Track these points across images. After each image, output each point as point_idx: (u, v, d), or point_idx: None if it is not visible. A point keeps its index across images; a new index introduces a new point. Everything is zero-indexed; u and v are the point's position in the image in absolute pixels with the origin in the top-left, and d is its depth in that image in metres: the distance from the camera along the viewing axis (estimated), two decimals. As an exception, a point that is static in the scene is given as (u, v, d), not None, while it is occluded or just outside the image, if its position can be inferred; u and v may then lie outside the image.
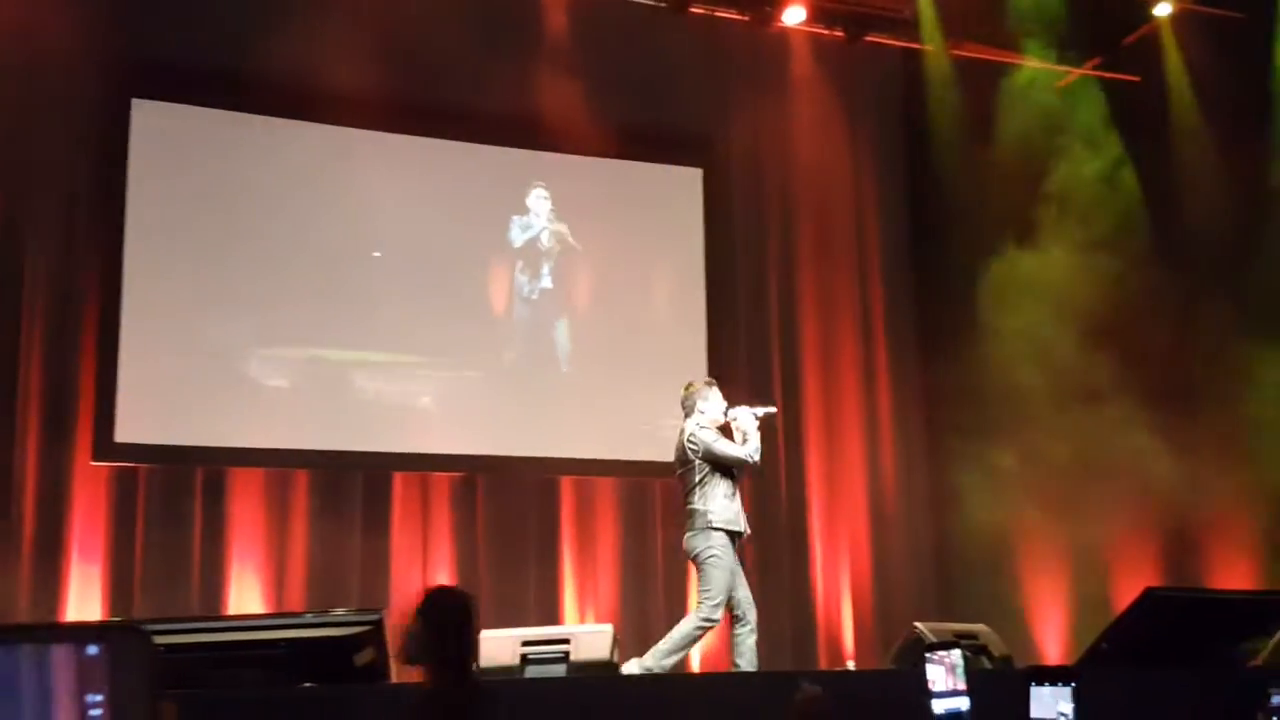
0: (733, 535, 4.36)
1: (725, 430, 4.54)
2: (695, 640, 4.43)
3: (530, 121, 6.55)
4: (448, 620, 2.31)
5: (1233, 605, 4.68)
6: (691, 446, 4.47)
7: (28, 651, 0.76)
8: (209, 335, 6.00)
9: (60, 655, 0.76)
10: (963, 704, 2.65)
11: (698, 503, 4.41)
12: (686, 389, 4.64)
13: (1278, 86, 6.57)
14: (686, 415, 4.58)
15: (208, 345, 5.99)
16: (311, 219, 6.28)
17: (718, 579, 4.31)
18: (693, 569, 4.66)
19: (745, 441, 4.44)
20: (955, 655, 2.72)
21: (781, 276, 7.15)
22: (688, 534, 4.43)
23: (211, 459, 5.89)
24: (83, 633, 0.77)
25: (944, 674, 2.68)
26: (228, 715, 3.18)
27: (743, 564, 4.46)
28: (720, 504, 4.37)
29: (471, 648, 2.39)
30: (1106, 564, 6.47)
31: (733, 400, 4.63)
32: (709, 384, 4.67)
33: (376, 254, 6.44)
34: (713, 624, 4.36)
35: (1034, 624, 6.62)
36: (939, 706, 2.67)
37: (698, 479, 4.45)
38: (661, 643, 4.35)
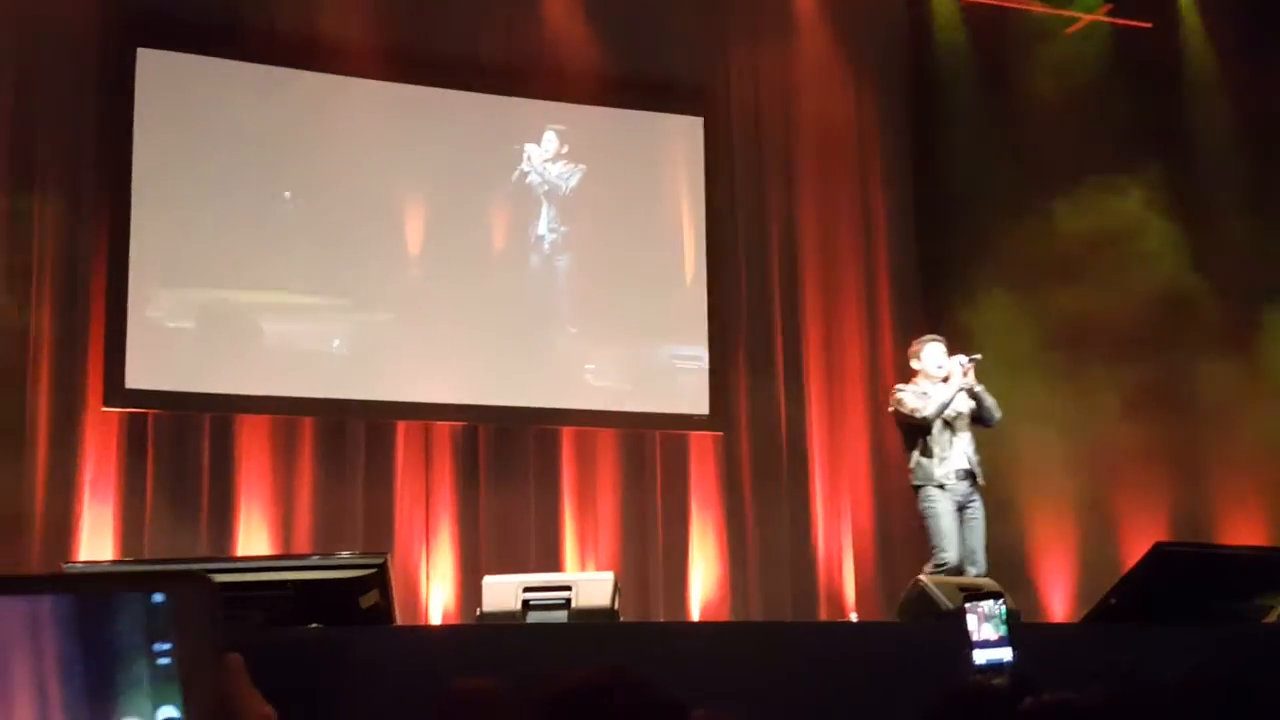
0: (944, 487, 4.95)
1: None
2: None
3: (528, 69, 6.57)
4: None
5: (1243, 561, 4.67)
6: (890, 409, 5.20)
7: (93, 600, 0.73)
8: (217, 283, 6.05)
9: (126, 604, 0.72)
10: (1005, 654, 2.63)
11: (910, 460, 5.08)
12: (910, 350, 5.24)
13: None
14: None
15: (215, 293, 6.05)
16: (321, 167, 6.29)
17: (935, 529, 4.95)
18: None
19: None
20: (992, 605, 2.71)
21: (783, 226, 7.12)
22: None
23: (219, 405, 5.96)
24: (148, 581, 0.74)
25: (983, 623, 2.67)
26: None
27: (966, 510, 5.01)
28: (920, 461, 5.03)
29: None
30: (1114, 518, 6.46)
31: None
32: (923, 341, 5.21)
33: (389, 202, 6.45)
34: (943, 567, 4.87)
35: (1039, 578, 6.63)
36: (982, 657, 2.66)
37: (905, 437, 5.13)
38: None
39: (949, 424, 5.10)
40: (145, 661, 0.72)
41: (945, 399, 5.03)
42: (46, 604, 0.72)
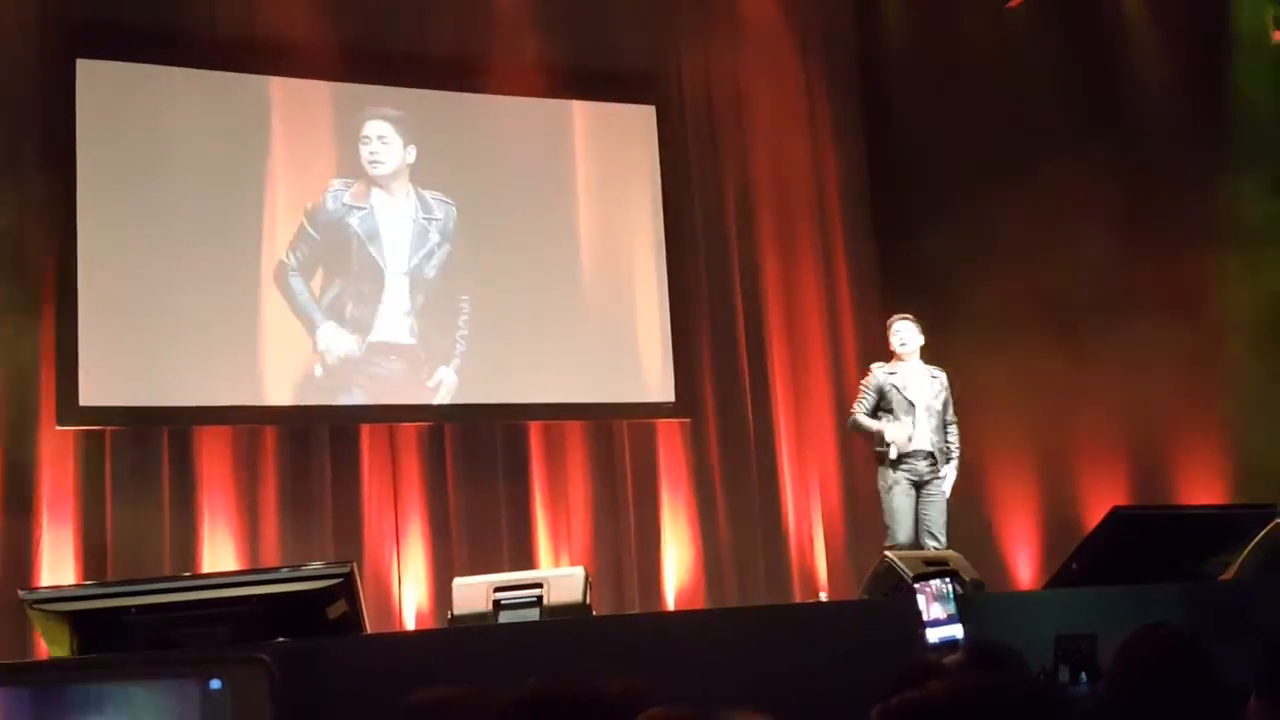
0: (899, 466, 5.15)
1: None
2: None
3: (477, 64, 6.53)
4: None
5: (1200, 521, 4.75)
6: None
7: (144, 687, 0.69)
8: (167, 294, 5.95)
9: (181, 691, 0.69)
10: (956, 631, 2.68)
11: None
12: None
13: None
14: None
15: (167, 304, 5.95)
16: (262, 171, 6.21)
17: (887, 508, 5.18)
18: None
19: None
20: (941, 584, 2.75)
21: (740, 211, 7.12)
22: None
23: (177, 419, 5.88)
24: (205, 666, 0.70)
25: (932, 602, 2.71)
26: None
27: (926, 487, 5.20)
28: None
29: None
30: (1077, 484, 6.55)
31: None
32: (893, 319, 5.44)
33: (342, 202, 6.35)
34: (894, 546, 5.01)
35: (1005, 548, 6.71)
36: (934, 635, 2.70)
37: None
38: None
39: (912, 404, 5.17)
40: None
41: (869, 428, 5.33)
42: (96, 695, 0.68)
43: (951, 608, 2.69)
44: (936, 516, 5.16)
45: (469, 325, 6.47)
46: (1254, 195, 6.29)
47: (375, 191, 6.41)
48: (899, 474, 5.17)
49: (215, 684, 0.71)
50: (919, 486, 5.18)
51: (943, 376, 5.42)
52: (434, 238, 6.48)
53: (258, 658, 0.72)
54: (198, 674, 0.71)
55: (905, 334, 5.37)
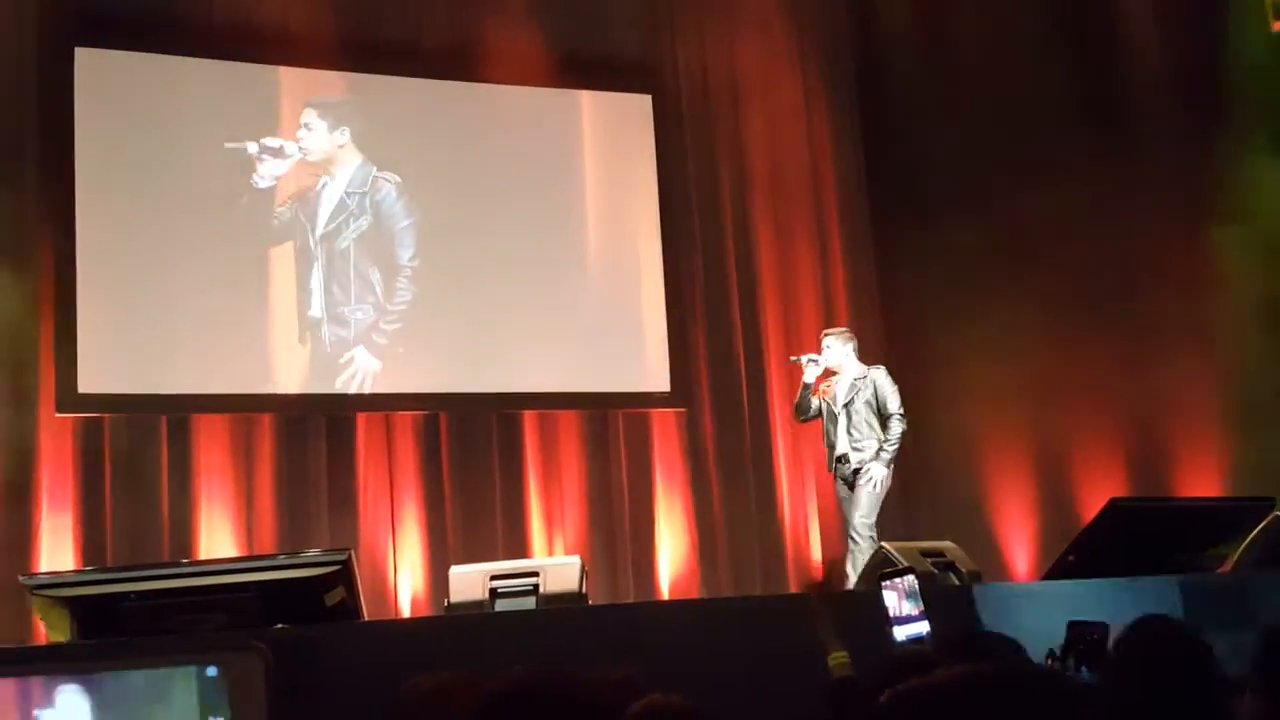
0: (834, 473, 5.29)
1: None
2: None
3: (473, 53, 6.51)
4: None
5: (1197, 514, 4.76)
6: None
7: (144, 675, 0.70)
8: (165, 282, 5.94)
9: (179, 679, 0.70)
10: (923, 628, 2.68)
11: None
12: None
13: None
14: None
15: (165, 292, 5.94)
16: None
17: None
18: None
19: None
20: (910, 581, 2.75)
21: (736, 199, 7.12)
22: None
23: (175, 406, 5.89)
24: (202, 654, 0.71)
25: (902, 600, 2.72)
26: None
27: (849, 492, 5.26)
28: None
29: None
30: (1074, 476, 6.55)
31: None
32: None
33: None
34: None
35: (1003, 538, 6.72)
36: (900, 633, 2.71)
37: None
38: None
39: (834, 414, 5.32)
40: None
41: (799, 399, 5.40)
42: (96, 681, 0.69)
43: (920, 604, 2.70)
44: (850, 517, 5.20)
45: (412, 310, 6.36)
46: (1253, 188, 6.29)
47: (323, 177, 6.33)
48: (838, 480, 5.35)
49: (211, 671, 0.72)
50: (851, 487, 5.25)
51: (868, 376, 5.31)
52: (366, 219, 6.33)
53: (253, 645, 0.73)
54: (194, 661, 0.72)
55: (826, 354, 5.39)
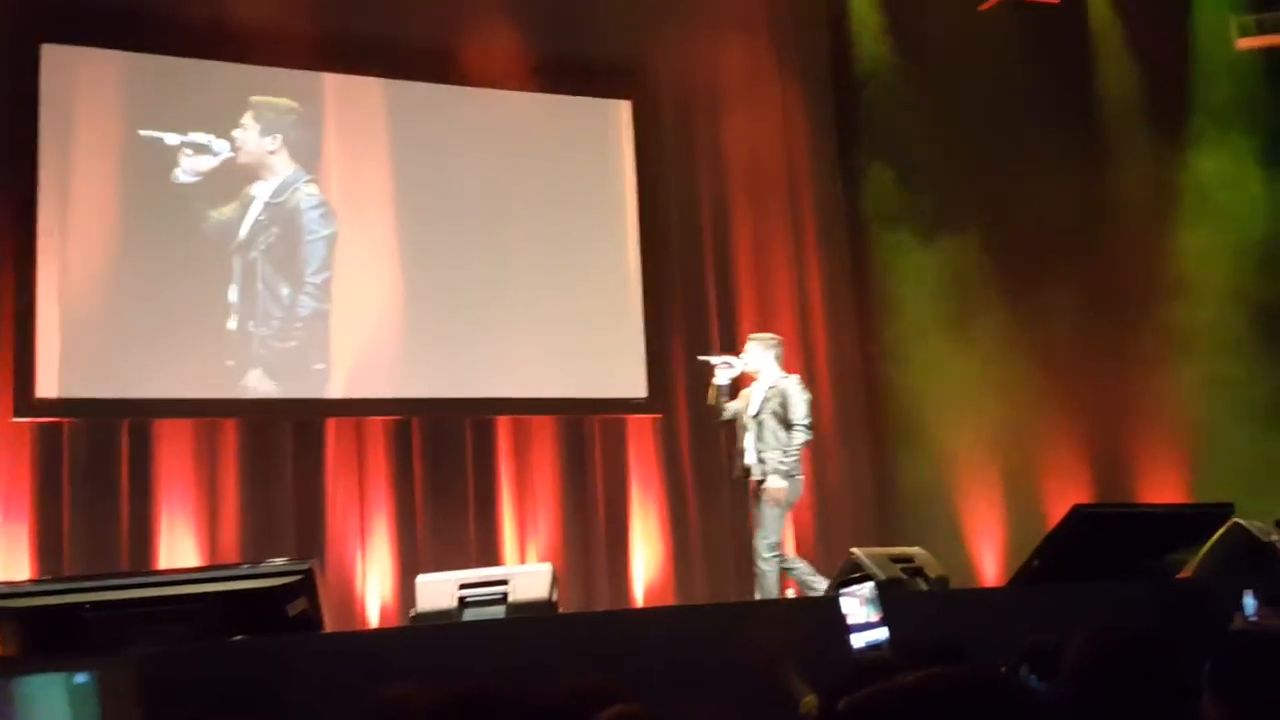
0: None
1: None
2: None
3: (452, 55, 6.43)
4: None
5: (1159, 519, 4.80)
6: None
7: (10, 681, 0.70)
8: (126, 285, 5.84)
9: (47, 685, 0.70)
10: (881, 635, 2.70)
11: None
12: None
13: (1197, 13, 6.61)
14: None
15: (126, 296, 5.83)
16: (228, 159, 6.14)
17: None
18: None
19: None
20: (868, 588, 2.77)
21: (714, 206, 7.09)
22: None
23: (136, 411, 5.78)
24: (70, 663, 0.71)
25: (860, 607, 2.73)
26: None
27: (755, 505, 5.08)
28: None
29: None
30: (1041, 482, 6.61)
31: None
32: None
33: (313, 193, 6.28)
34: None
35: (972, 545, 6.77)
36: (859, 640, 2.72)
37: None
38: None
39: (744, 425, 5.08)
40: None
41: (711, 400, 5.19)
42: None
43: (878, 610, 2.72)
44: (755, 535, 4.99)
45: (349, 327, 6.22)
46: (1223, 196, 6.39)
47: (259, 182, 6.22)
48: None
49: (81, 678, 0.73)
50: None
51: (778, 386, 5.09)
52: (276, 230, 6.19)
53: (124, 655, 0.75)
54: (64, 669, 0.73)
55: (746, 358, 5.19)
